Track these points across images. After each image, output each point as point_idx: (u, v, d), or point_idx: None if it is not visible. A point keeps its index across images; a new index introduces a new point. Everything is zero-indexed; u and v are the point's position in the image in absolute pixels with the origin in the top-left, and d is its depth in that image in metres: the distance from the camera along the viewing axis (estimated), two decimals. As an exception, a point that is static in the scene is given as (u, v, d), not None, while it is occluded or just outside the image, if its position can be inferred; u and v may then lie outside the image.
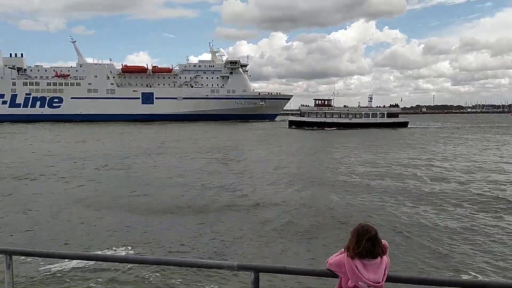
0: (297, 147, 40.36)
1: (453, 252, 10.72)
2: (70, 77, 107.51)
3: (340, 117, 74.24)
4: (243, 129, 74.03)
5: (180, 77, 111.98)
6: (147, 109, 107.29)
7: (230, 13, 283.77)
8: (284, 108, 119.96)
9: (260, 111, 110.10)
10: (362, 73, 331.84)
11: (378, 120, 74.36)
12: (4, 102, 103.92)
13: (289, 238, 12.08)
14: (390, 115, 75.73)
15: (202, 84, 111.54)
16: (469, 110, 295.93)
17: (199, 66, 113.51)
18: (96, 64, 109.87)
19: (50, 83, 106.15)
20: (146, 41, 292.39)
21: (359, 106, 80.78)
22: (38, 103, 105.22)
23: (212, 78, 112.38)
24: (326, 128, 70.82)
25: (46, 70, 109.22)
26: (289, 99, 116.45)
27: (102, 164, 27.66)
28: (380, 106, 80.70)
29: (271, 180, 21.51)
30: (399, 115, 78.73)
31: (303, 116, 76.35)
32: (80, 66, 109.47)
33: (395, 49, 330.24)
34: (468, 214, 14.38)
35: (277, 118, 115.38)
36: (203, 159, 30.40)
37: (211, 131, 65.85)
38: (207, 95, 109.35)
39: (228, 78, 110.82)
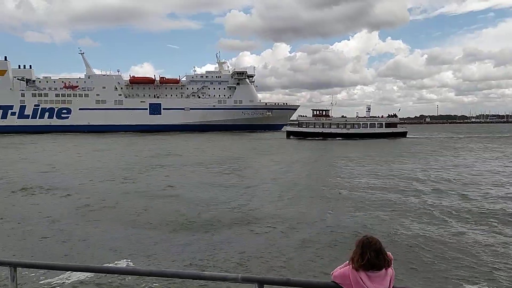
0: (297, 158, 39.37)
1: (457, 267, 10.39)
2: (79, 88, 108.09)
3: (338, 128, 73.65)
4: (246, 139, 73.67)
5: (187, 88, 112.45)
6: (154, 120, 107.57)
7: (233, 24, 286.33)
8: (291, 119, 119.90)
9: (267, 122, 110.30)
10: (366, 83, 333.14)
11: (377, 130, 73.56)
12: (13, 113, 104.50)
13: (292, 251, 11.82)
14: (388, 125, 75.03)
15: (209, 95, 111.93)
16: (473, 120, 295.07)
17: (206, 77, 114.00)
18: (104, 75, 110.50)
19: (59, 94, 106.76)
20: (150, 52, 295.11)
21: (357, 116, 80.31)
22: (47, 114, 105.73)
23: (219, 88, 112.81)
24: (324, 139, 70.17)
25: (54, 82, 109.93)
26: (295, 109, 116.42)
27: (108, 176, 27.26)
28: (378, 116, 80.00)
29: (274, 193, 20.83)
30: (398, 125, 78.01)
31: (301, 127, 75.85)
32: (89, 77, 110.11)
33: (398, 59, 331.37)
34: (471, 228, 13.88)
35: (284, 128, 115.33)
36: (210, 172, 29.52)
37: (216, 142, 65.76)
38: (214, 106, 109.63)
39: (235, 88, 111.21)
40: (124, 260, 11.07)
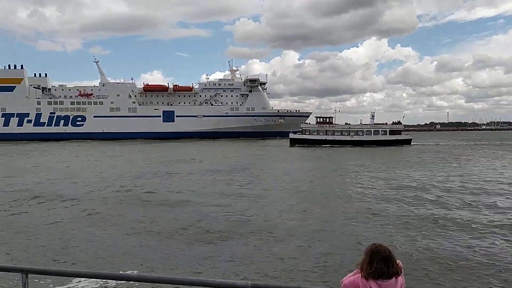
0: (302, 166, 38.62)
1: (470, 278, 10.19)
2: (93, 96, 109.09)
3: (341, 135, 73.13)
4: (254, 146, 73.77)
5: (200, 95, 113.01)
6: (168, 127, 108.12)
7: (242, 32, 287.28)
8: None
9: (279, 129, 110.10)
10: (375, 90, 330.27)
11: (381, 137, 72.71)
12: (29, 121, 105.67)
13: (304, 259, 11.71)
14: (392, 132, 74.16)
15: (222, 102, 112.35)
16: (484, 127, 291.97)
17: (218, 84, 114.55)
18: (118, 83, 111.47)
19: (74, 102, 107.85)
20: (160, 60, 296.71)
21: (361, 123, 79.75)
22: (62, 121, 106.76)
23: (231, 96, 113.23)
24: (327, 146, 69.73)
25: (70, 90, 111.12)
26: (308, 116, 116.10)
27: (121, 183, 27.15)
28: (382, 124, 79.34)
29: (286, 203, 20.41)
30: (402, 132, 77.21)
31: (304, 134, 75.45)
32: (103, 85, 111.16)
33: (407, 66, 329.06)
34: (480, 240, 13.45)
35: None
36: (221, 180, 28.77)
37: (228, 149, 65.91)
38: (226, 113, 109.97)
39: (248, 96, 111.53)
40: (137, 266, 11.06)
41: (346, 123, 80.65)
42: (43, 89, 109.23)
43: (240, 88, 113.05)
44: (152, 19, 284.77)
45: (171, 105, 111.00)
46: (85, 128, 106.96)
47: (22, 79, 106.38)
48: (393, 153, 55.90)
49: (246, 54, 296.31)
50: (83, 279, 9.32)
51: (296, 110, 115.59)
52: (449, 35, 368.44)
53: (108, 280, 8.97)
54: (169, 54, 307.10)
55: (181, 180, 28.91)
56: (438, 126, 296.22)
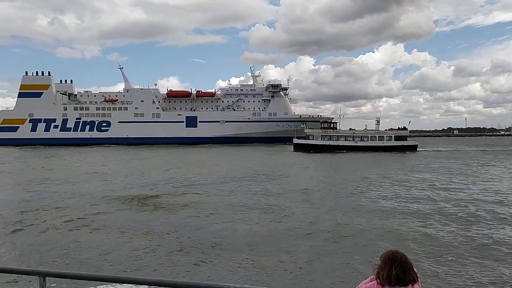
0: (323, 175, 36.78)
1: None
2: (118, 102, 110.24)
3: (346, 140, 72.21)
4: (263, 151, 73.77)
5: (222, 101, 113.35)
6: (190, 132, 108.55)
7: (257, 38, 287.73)
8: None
9: (301, 134, 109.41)
10: (391, 96, 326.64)
11: (385, 143, 71.33)
12: (55, 127, 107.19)
13: (320, 264, 11.51)
14: (398, 138, 72.81)
15: (244, 108, 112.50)
16: (503, 132, 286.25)
17: (240, 90, 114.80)
18: (142, 89, 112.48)
19: (99, 107, 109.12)
20: (176, 66, 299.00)
21: (365, 129, 78.71)
22: (88, 127, 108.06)
23: (253, 101, 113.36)
24: (330, 151, 68.49)
25: (95, 96, 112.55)
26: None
27: (147, 189, 26.75)
28: (387, 129, 78.12)
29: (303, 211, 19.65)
30: (408, 138, 75.65)
31: (308, 139, 74.64)
32: (127, 91, 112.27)
33: (424, 71, 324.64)
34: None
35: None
36: (244, 187, 27.55)
37: (247, 154, 65.62)
38: (249, 118, 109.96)
39: (270, 101, 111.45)
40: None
41: (350, 129, 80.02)
42: (69, 95, 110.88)
43: (262, 94, 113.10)
44: (168, 26, 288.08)
45: (194, 110, 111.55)
46: (110, 133, 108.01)
47: (50, 85, 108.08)
48: (397, 159, 54.62)
49: (261, 59, 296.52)
50: (101, 283, 9.02)
51: (318, 115, 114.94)
52: (466, 39, 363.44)
53: (127, 285, 8.80)
54: (185, 60, 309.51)
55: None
56: (456, 132, 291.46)
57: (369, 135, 72.57)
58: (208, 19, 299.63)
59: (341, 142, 71.32)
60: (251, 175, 34.27)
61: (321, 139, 72.47)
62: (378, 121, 78.41)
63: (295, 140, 75.10)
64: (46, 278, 3.89)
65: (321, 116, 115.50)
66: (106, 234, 15.14)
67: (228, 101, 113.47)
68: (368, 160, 52.70)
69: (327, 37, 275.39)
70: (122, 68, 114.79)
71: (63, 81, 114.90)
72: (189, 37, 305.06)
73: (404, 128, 79.37)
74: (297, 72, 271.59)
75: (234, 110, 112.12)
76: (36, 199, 22.94)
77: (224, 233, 15.01)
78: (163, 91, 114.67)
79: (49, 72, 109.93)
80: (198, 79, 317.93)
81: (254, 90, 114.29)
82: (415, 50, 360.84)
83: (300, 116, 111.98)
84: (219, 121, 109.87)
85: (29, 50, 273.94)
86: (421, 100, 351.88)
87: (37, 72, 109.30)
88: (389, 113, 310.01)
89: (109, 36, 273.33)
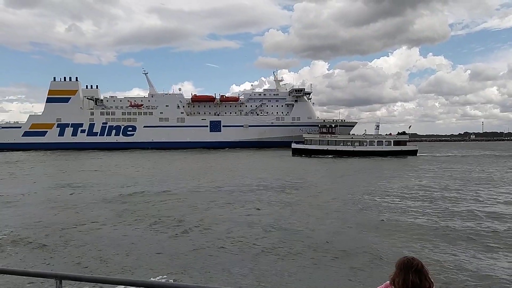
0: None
1: None
2: (143, 107, 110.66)
3: (344, 145, 71.01)
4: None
5: (246, 106, 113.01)
6: (214, 137, 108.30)
7: (271, 43, 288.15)
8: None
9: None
10: (406, 100, 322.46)
11: (384, 148, 70.10)
12: (82, 131, 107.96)
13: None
14: (397, 143, 71.50)
15: (267, 112, 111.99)
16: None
17: (264, 94, 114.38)
18: (166, 94, 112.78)
19: (125, 112, 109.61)
20: (190, 71, 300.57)
21: (364, 134, 77.37)
22: (114, 131, 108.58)
23: (277, 106, 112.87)
24: (328, 156, 67.52)
25: (121, 100, 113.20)
26: (353, 126, 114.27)
27: (178, 194, 26.40)
28: (387, 134, 76.64)
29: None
30: (407, 143, 74.20)
31: (307, 144, 73.61)
32: (152, 96, 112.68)
33: (439, 75, 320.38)
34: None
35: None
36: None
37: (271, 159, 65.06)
38: (272, 123, 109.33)
39: (293, 106, 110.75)
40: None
41: (349, 133, 78.78)
42: (96, 100, 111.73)
43: (285, 98, 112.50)
44: (183, 32, 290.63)
45: (218, 115, 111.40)
46: (135, 137, 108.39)
47: (77, 90, 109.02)
48: (388, 164, 52.99)
49: (274, 64, 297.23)
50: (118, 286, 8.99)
51: (342, 120, 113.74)
52: (482, 43, 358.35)
53: None
54: (199, 65, 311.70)
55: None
56: (472, 136, 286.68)
57: (368, 140, 71.43)
58: (223, 24, 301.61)
59: (339, 147, 70.36)
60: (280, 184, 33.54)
61: (319, 144, 71.61)
62: (378, 126, 77.24)
63: (293, 145, 74.37)
64: (63, 281, 3.92)
65: (344, 120, 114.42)
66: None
67: (251, 106, 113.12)
68: (360, 166, 50.52)
69: (341, 42, 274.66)
70: (147, 73, 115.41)
71: (89, 87, 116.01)
72: (204, 42, 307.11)
73: (404, 133, 78.09)
74: (311, 77, 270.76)
75: (258, 114, 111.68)
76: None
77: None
78: (188, 96, 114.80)
79: (76, 78, 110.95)
80: (212, 84, 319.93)
81: (277, 94, 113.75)
82: (430, 54, 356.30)
83: (324, 120, 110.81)
84: (242, 126, 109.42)
85: (47, 57, 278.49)
86: (436, 104, 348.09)
87: (64, 77, 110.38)
88: (404, 117, 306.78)
89: (125, 42, 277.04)
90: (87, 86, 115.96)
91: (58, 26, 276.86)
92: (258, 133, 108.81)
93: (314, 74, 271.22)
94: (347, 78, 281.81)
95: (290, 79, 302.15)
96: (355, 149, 69.80)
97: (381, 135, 74.16)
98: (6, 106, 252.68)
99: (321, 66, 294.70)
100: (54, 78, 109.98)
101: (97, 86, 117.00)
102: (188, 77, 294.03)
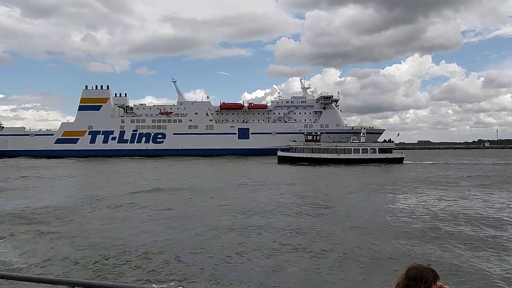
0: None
1: None
2: (173, 114, 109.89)
3: (328, 153, 69.49)
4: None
5: (274, 113, 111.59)
6: (243, 144, 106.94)
7: (282, 51, 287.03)
8: (404, 142, 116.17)
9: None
10: (419, 107, 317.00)
11: (369, 156, 68.42)
12: (113, 138, 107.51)
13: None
14: (382, 150, 69.79)
15: (295, 120, 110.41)
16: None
17: (291, 102, 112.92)
18: (195, 102, 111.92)
19: (155, 120, 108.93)
20: (202, 79, 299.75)
21: (349, 141, 76.04)
22: (144, 138, 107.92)
23: (304, 113, 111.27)
24: (314, 164, 65.74)
25: (150, 108, 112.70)
26: (381, 133, 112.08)
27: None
28: (373, 142, 75.64)
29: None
30: (393, 151, 71.93)
31: (292, 152, 72.36)
32: (181, 104, 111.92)
33: (453, 83, 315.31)
34: None
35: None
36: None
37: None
38: (300, 130, 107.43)
39: (321, 113, 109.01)
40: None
41: (334, 141, 77.69)
42: (126, 108, 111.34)
43: (313, 106, 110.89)
44: (196, 40, 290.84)
45: (246, 122, 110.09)
46: (165, 144, 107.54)
47: (108, 98, 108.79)
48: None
49: (286, 72, 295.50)
50: None
51: (370, 127, 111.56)
52: (495, 50, 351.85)
53: None
54: (211, 73, 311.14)
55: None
56: (487, 144, 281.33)
57: (353, 148, 70.03)
58: (235, 33, 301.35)
59: (324, 155, 69.07)
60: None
61: (303, 152, 70.46)
62: (364, 134, 76.41)
63: (279, 153, 73.53)
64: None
65: (372, 127, 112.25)
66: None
67: (279, 113, 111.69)
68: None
69: (353, 49, 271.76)
70: (175, 81, 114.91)
71: (118, 95, 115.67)
72: (216, 50, 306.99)
73: (390, 141, 76.94)
74: (323, 84, 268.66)
75: (286, 122, 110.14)
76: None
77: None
78: (218, 103, 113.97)
79: (107, 86, 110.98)
80: (224, 91, 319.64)
81: (305, 102, 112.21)
82: (443, 61, 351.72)
83: (352, 127, 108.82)
84: (270, 133, 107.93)
85: (62, 65, 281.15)
86: (450, 111, 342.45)
87: (96, 86, 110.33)
88: (417, 124, 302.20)
89: (139, 50, 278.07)
90: (116, 94, 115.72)
91: (74, 35, 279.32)
92: (286, 140, 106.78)
93: (326, 81, 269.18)
94: (359, 86, 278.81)
95: (299, 86, 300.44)
96: (339, 157, 68.55)
97: (366, 143, 72.89)
98: (21, 114, 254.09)
99: (332, 74, 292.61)
100: (86, 86, 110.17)
101: (126, 94, 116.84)
102: (200, 85, 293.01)
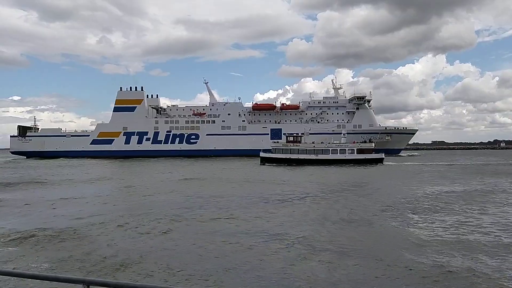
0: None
1: None
2: (206, 115, 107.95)
3: (306, 154, 67.62)
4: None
5: (306, 113, 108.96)
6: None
7: (295, 52, 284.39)
8: (418, 142, 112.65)
9: (385, 146, 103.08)
10: (432, 107, 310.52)
11: (347, 156, 66.61)
12: (147, 139, 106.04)
13: None
14: (360, 151, 67.73)
15: (327, 120, 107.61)
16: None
17: (323, 102, 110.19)
18: (227, 102, 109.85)
19: (188, 121, 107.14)
20: (215, 80, 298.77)
21: (328, 143, 74.05)
22: (177, 139, 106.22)
23: (337, 113, 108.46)
24: (293, 165, 64.34)
25: (183, 109, 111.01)
26: (414, 133, 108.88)
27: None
28: (352, 143, 72.82)
29: None
30: (373, 151, 69.40)
31: (273, 153, 70.77)
32: (213, 105, 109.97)
33: (467, 82, 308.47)
34: None
35: (402, 153, 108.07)
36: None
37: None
38: (333, 130, 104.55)
39: (354, 113, 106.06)
40: None
41: (312, 142, 75.45)
42: (159, 109, 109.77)
43: (345, 106, 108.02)
44: (208, 42, 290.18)
45: (278, 123, 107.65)
46: (198, 145, 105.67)
47: (142, 100, 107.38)
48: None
49: (298, 73, 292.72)
50: None
51: (403, 127, 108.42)
52: (510, 49, 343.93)
53: None
54: (223, 74, 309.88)
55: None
56: (502, 144, 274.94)
57: (331, 149, 68.17)
58: (247, 34, 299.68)
59: (302, 156, 67.40)
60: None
61: (283, 153, 68.93)
62: (344, 135, 75.11)
63: (261, 154, 72.22)
64: (90, 286, 3.82)
65: (405, 128, 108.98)
66: None
67: (311, 114, 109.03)
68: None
69: (365, 50, 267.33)
70: (207, 82, 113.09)
71: (149, 96, 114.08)
72: (228, 52, 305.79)
73: (370, 141, 74.98)
74: (336, 85, 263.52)
75: (318, 122, 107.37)
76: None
77: None
78: (250, 104, 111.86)
79: (142, 87, 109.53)
80: (236, 92, 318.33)
81: (337, 102, 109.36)
82: (457, 61, 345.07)
83: (386, 128, 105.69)
84: (303, 134, 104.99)
85: (77, 67, 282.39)
86: (464, 111, 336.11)
87: (130, 87, 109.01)
88: (431, 125, 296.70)
89: (153, 52, 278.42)
90: (147, 95, 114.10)
91: (89, 38, 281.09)
92: (319, 140, 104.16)
93: (338, 82, 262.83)
94: (372, 86, 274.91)
95: (314, 87, 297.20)
96: (317, 157, 66.91)
97: (345, 143, 71.14)
98: (37, 116, 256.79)
99: (345, 74, 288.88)
100: (121, 88, 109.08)
101: (157, 95, 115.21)
102: (213, 86, 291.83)
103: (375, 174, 46.77)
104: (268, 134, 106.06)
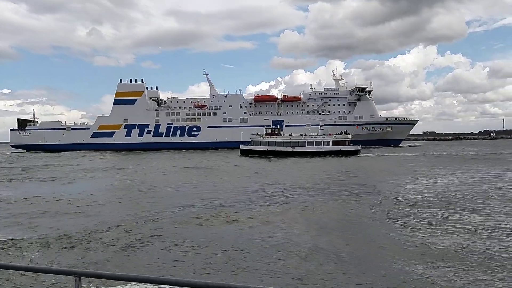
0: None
1: None
2: (207, 107, 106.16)
3: (283, 146, 67.87)
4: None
5: (307, 105, 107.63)
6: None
7: (286, 44, 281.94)
8: (410, 133, 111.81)
9: (386, 137, 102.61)
10: (424, 98, 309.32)
11: (323, 148, 66.94)
12: (148, 132, 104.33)
13: None
14: (336, 143, 68.00)
15: (329, 111, 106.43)
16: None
17: (324, 93, 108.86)
18: (228, 94, 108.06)
19: (189, 113, 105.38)
20: (206, 72, 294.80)
21: (304, 135, 74.43)
22: (178, 132, 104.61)
23: (338, 105, 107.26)
24: (270, 157, 64.28)
25: (184, 101, 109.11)
26: (414, 124, 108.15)
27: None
28: (329, 135, 73.01)
29: None
30: (348, 143, 69.75)
31: (252, 145, 71.29)
32: (213, 97, 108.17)
33: (458, 73, 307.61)
34: None
35: (402, 144, 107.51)
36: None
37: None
38: (335, 122, 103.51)
39: (355, 104, 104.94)
40: None
41: (289, 134, 76.02)
42: (159, 101, 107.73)
43: (347, 97, 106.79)
44: (200, 33, 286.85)
45: (280, 114, 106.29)
46: (199, 138, 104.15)
47: (143, 92, 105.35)
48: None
49: (290, 64, 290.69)
50: (135, 283, 8.40)
51: (404, 118, 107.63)
52: (501, 40, 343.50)
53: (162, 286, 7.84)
54: (215, 66, 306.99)
55: None
56: (493, 134, 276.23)
57: (307, 141, 68.48)
58: (239, 25, 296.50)
59: (279, 148, 67.87)
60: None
61: (260, 145, 69.56)
62: (322, 127, 74.94)
63: (241, 146, 72.69)
64: (82, 278, 3.78)
65: (407, 118, 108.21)
66: None
67: (313, 105, 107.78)
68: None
69: (357, 41, 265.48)
70: (207, 74, 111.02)
71: (149, 88, 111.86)
72: (220, 43, 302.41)
73: (346, 133, 74.79)
74: (327, 76, 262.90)
75: (320, 113, 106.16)
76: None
77: None
78: (251, 96, 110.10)
79: (142, 80, 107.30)
80: (228, 84, 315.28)
81: (338, 93, 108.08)
82: (448, 52, 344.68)
83: (387, 119, 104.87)
84: (305, 125, 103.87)
85: (68, 60, 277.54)
86: (455, 102, 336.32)
87: (130, 80, 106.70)
88: (422, 115, 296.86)
89: (143, 44, 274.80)
90: (146, 87, 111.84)
91: (79, 30, 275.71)
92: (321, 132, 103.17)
93: (330, 73, 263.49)
94: (364, 77, 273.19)
95: (306, 79, 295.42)
96: (294, 149, 67.09)
97: (321, 135, 71.14)
98: (27, 109, 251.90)
99: (337, 65, 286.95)
100: (121, 80, 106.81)
101: (157, 87, 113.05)
102: (204, 78, 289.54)
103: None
104: (270, 125, 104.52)
